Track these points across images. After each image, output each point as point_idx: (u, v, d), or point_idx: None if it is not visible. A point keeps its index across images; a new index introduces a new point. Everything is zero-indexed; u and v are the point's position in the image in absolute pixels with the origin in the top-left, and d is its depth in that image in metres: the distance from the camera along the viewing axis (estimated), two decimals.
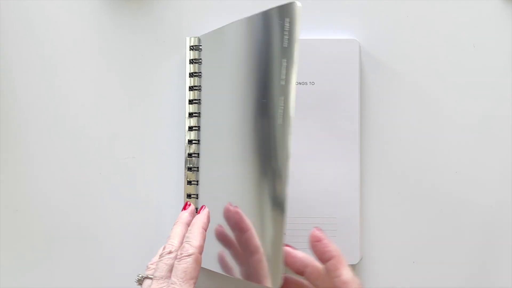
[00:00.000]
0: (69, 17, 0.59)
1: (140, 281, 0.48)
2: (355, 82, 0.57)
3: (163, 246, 0.49)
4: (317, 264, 0.48)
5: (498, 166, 0.59)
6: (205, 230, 0.49)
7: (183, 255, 0.46)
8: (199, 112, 0.57)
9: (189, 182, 0.57)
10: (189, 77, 0.58)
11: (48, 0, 0.59)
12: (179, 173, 0.58)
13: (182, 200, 0.57)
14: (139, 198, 0.59)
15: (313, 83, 0.57)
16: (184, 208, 0.53)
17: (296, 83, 0.55)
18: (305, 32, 0.59)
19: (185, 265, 0.46)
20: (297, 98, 0.55)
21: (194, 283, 0.46)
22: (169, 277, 0.46)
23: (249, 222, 0.49)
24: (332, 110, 0.57)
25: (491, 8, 0.60)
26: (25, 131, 0.59)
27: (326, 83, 0.57)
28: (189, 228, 0.49)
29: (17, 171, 0.59)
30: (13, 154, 0.59)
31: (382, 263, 0.59)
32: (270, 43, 0.48)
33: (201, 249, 0.47)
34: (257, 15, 0.50)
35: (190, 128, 0.57)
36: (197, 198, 0.56)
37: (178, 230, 0.50)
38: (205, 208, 0.51)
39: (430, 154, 0.59)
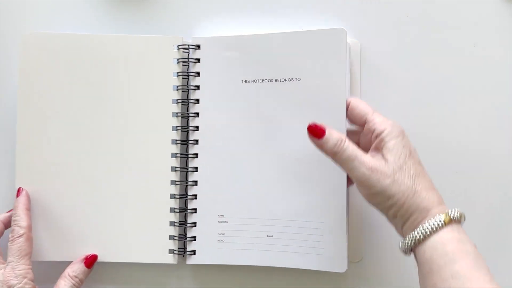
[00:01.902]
0: (68, 17, 0.61)
1: None
2: (341, 74, 0.54)
3: None
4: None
5: (498, 166, 0.58)
6: (29, 210, 0.55)
7: (14, 236, 0.53)
8: (197, 112, 0.57)
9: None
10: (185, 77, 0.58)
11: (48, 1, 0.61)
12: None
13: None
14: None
15: (299, 79, 0.55)
16: None
17: (283, 80, 0.56)
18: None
19: (19, 244, 0.53)
20: (282, 96, 0.56)
21: (29, 258, 0.53)
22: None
23: None
24: (318, 107, 0.55)
25: (491, 8, 0.59)
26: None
27: (312, 79, 0.55)
28: (13, 211, 0.55)
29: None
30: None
31: (382, 263, 0.58)
32: None
33: (30, 228, 0.54)
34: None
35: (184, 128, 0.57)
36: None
37: None
38: (23, 190, 0.56)
39: (429, 154, 0.57)
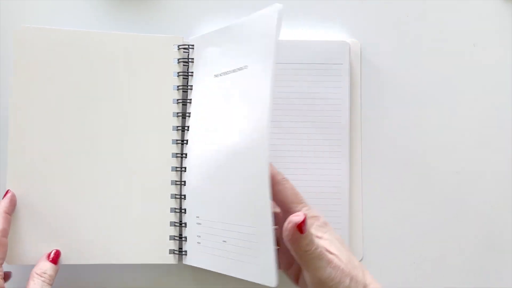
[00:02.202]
0: (67, 16, 0.61)
1: None
2: (269, 59, 0.47)
3: None
4: None
5: (499, 166, 0.59)
6: (9, 215, 0.53)
7: None
8: (189, 112, 0.57)
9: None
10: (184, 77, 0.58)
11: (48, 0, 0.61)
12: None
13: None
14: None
15: (246, 67, 0.50)
16: None
17: (236, 70, 0.51)
18: (301, 34, 0.59)
19: None
20: (235, 88, 0.51)
21: (1, 264, 0.50)
22: None
23: None
24: (249, 98, 0.49)
25: (491, 8, 0.60)
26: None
27: (253, 66, 0.49)
28: None
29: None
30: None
31: (382, 263, 0.58)
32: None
33: (4, 233, 0.51)
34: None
35: (183, 128, 0.57)
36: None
37: None
38: (10, 192, 0.54)
39: (429, 154, 0.59)
